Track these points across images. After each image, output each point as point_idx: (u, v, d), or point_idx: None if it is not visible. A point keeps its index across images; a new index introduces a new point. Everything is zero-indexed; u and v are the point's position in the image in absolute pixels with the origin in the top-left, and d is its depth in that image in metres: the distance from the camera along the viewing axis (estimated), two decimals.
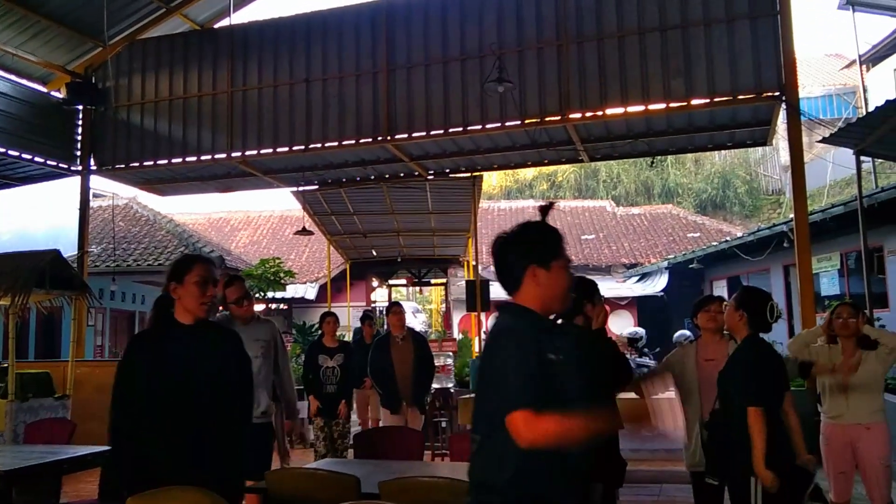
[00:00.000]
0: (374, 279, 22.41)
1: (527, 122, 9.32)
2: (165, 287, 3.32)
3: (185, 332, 3.30)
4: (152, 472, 3.08)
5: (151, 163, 11.16)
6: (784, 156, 24.66)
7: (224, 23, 11.72)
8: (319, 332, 8.07)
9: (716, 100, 8.68)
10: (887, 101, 7.21)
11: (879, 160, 11.24)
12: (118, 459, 3.26)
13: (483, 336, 14.03)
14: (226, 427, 3.28)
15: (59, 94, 11.38)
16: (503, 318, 2.47)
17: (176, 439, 3.17)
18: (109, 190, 16.66)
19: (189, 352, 3.26)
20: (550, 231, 2.51)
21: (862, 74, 20.06)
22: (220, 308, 5.42)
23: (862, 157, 9.70)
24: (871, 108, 8.44)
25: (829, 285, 13.64)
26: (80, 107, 11.32)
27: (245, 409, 3.54)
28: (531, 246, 2.46)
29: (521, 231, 2.51)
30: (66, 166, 11.55)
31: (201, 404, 3.23)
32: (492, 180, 35.59)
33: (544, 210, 2.56)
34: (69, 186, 12.34)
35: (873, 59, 21.18)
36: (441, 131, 9.72)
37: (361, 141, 10.05)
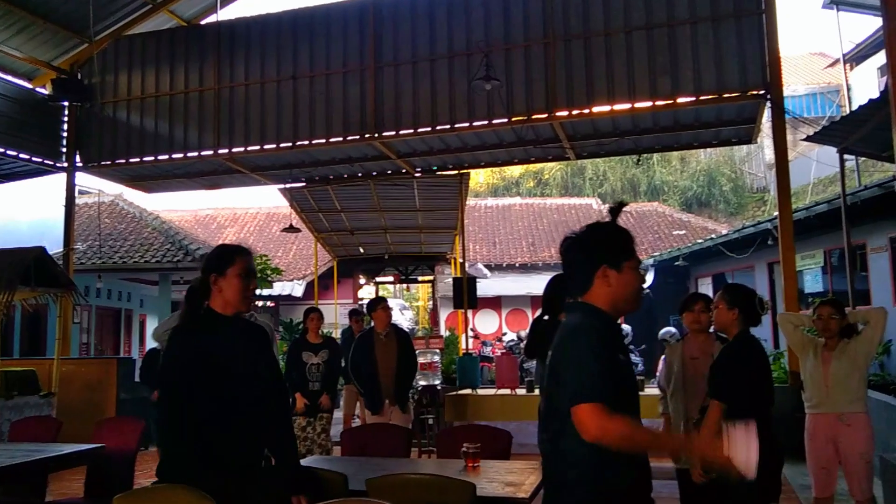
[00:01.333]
0: (361, 276, 22.37)
1: (514, 119, 9.36)
2: (203, 279, 3.16)
3: (227, 324, 3.17)
4: (217, 465, 2.98)
5: (138, 159, 11.11)
6: (769, 154, 24.78)
7: (211, 19, 11.70)
8: (304, 328, 7.86)
9: (701, 98, 8.74)
10: (870, 100, 7.28)
11: (863, 158, 11.34)
12: (178, 453, 3.03)
13: (468, 333, 14.07)
14: (271, 422, 3.22)
15: (45, 91, 11.27)
16: (575, 316, 2.46)
17: (237, 432, 3.08)
18: (95, 187, 16.57)
19: (236, 344, 3.17)
20: (621, 232, 2.50)
21: (845, 73, 20.21)
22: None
23: (845, 156, 9.79)
24: (854, 107, 8.53)
25: (813, 282, 13.75)
26: (66, 103, 11.27)
27: (285, 405, 3.56)
28: (603, 247, 2.46)
29: (591, 232, 2.51)
30: (51, 163, 11.50)
31: (252, 397, 3.15)
32: (479, 178, 35.62)
33: (614, 211, 2.55)
34: (55, 183, 12.30)
35: (857, 58, 21.34)
36: (429, 129, 9.73)
37: (349, 138, 10.05)
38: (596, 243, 2.48)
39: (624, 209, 2.59)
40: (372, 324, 7.44)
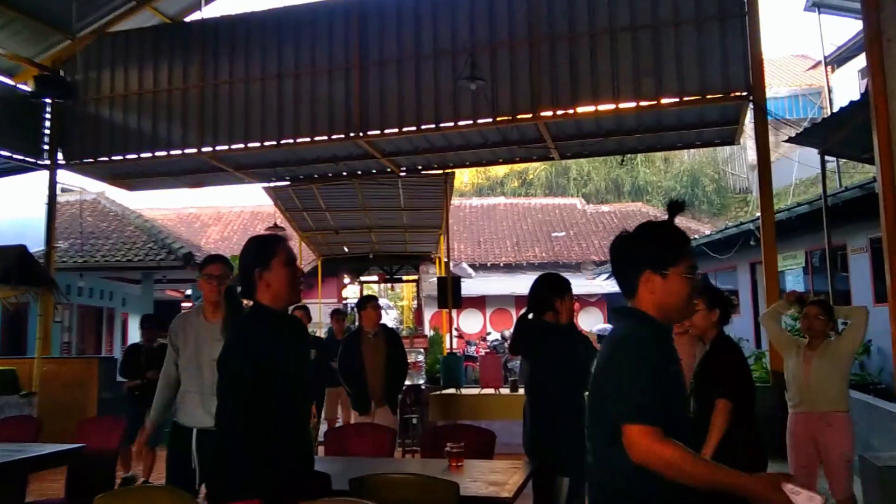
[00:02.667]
0: (346, 276, 22.37)
1: (498, 119, 9.37)
2: (245, 275, 2.91)
3: (282, 319, 2.96)
4: (293, 471, 2.81)
5: (120, 157, 11.03)
6: (751, 155, 24.95)
7: (195, 16, 11.63)
8: None
9: (685, 99, 8.79)
10: (851, 102, 7.36)
11: (843, 160, 11.45)
12: (270, 464, 2.71)
13: (452, 333, 14.08)
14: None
15: (27, 87, 11.20)
16: (623, 324, 2.31)
17: (302, 434, 2.95)
18: (77, 184, 16.45)
19: (296, 341, 3.01)
20: (672, 234, 2.32)
21: (827, 75, 20.37)
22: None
23: (826, 157, 9.89)
24: (835, 109, 8.61)
25: (795, 283, 13.87)
26: (48, 100, 11.15)
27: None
28: (647, 249, 2.29)
29: (638, 231, 2.34)
30: (33, 160, 11.37)
31: (308, 396, 3.05)
32: (463, 177, 35.63)
33: (672, 208, 2.38)
34: (36, 181, 12.19)
35: (838, 60, 21.52)
36: (413, 128, 9.72)
37: (334, 137, 10.02)
38: (640, 245, 2.31)
39: (680, 210, 2.36)
40: (358, 323, 7.30)
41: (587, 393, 2.34)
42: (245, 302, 3.02)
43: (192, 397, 4.23)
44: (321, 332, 14.03)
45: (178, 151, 10.75)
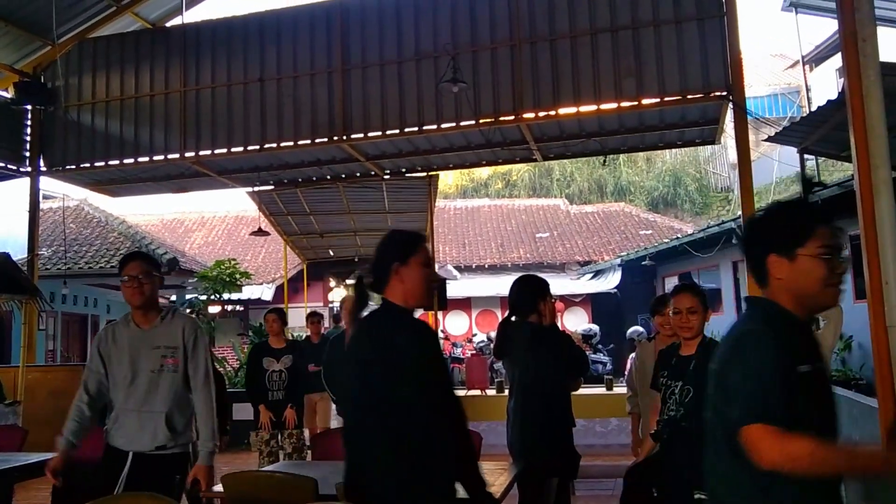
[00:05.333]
0: (331, 279, 22.34)
1: (481, 121, 9.40)
2: (381, 267, 2.82)
3: (412, 320, 2.84)
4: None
5: (103, 163, 10.97)
6: (732, 154, 25.15)
7: (176, 21, 11.58)
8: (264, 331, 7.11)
9: (666, 99, 8.84)
10: (829, 101, 7.44)
11: (822, 158, 11.56)
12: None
13: (440, 334, 14.06)
14: None
15: (7, 94, 11.10)
16: (750, 316, 2.14)
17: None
18: (60, 191, 16.34)
19: (431, 342, 2.87)
20: (798, 210, 2.13)
21: (805, 75, 20.57)
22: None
23: (806, 155, 9.99)
24: (814, 108, 8.70)
25: None
26: (29, 107, 11.07)
27: None
28: (770, 231, 2.10)
29: (765, 212, 2.16)
30: (14, 167, 11.29)
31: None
32: (448, 179, 35.69)
33: (808, 185, 2.26)
34: (18, 188, 12.10)
35: (816, 59, 21.74)
36: (397, 131, 9.74)
37: (317, 141, 10.02)
38: (763, 227, 2.12)
39: (814, 187, 2.22)
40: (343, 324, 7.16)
41: (709, 396, 2.14)
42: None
43: (130, 417, 3.83)
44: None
45: (161, 157, 10.70)
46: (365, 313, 2.88)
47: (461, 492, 2.84)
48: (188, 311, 16.91)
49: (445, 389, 2.86)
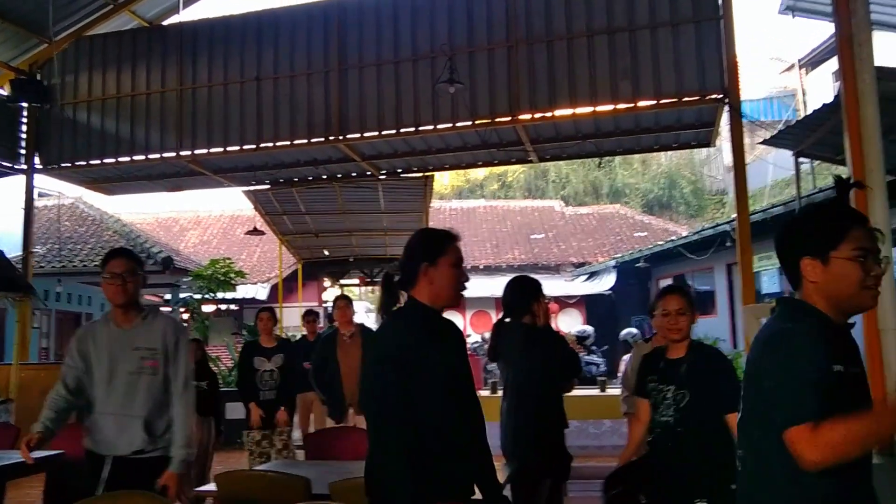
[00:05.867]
0: (326, 279, 22.33)
1: (477, 122, 9.40)
2: (411, 268, 2.75)
3: (437, 317, 2.81)
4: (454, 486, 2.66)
5: (98, 161, 10.93)
6: (727, 157, 25.20)
7: (173, 20, 11.59)
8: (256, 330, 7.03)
9: (661, 101, 8.85)
10: (824, 105, 7.46)
11: (817, 161, 11.60)
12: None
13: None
14: None
15: (3, 91, 11.08)
16: (783, 316, 2.08)
17: (475, 435, 2.82)
18: (55, 189, 16.32)
19: (453, 337, 2.87)
20: (831, 212, 2.08)
21: (801, 78, 20.63)
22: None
23: (801, 159, 10.02)
24: (809, 111, 8.73)
25: (770, 283, 14.03)
26: (25, 104, 11.04)
27: None
28: (803, 233, 2.06)
29: (800, 214, 2.13)
30: (9, 165, 11.24)
31: (473, 393, 2.88)
32: (443, 180, 35.72)
33: (842, 186, 2.14)
34: (13, 185, 12.07)
35: (812, 62, 21.83)
36: (393, 131, 9.74)
37: (313, 140, 10.01)
38: (795, 229, 2.07)
39: (851, 188, 2.07)
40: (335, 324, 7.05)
41: (743, 397, 2.11)
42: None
43: (107, 420, 3.70)
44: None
45: (157, 155, 10.68)
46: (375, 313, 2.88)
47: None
48: (182, 309, 16.90)
49: (468, 389, 2.85)
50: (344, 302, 6.92)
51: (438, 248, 2.75)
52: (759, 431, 2.00)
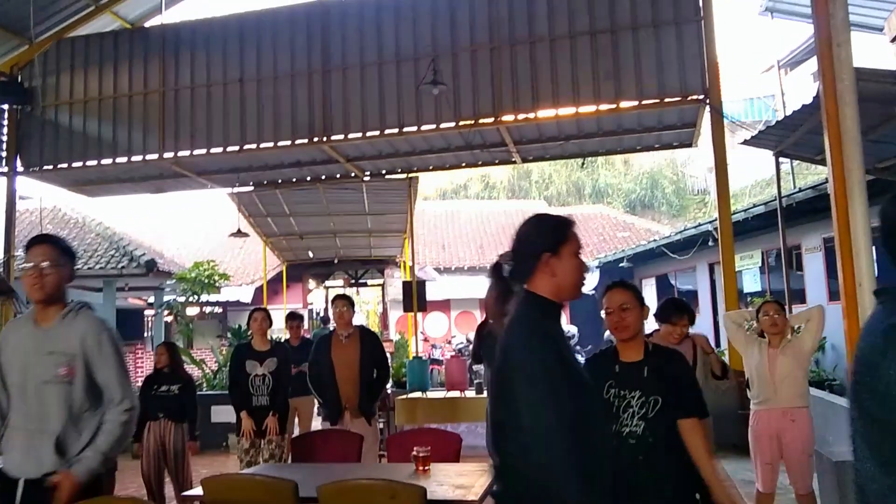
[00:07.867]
0: (311, 281, 22.29)
1: (461, 124, 9.44)
2: (529, 258, 2.39)
3: (560, 314, 2.47)
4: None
5: (81, 164, 10.88)
6: (709, 157, 25.39)
7: (155, 21, 11.53)
8: (249, 333, 6.69)
9: (644, 102, 8.93)
10: (803, 106, 7.52)
11: (797, 161, 11.70)
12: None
13: (418, 336, 14.05)
14: None
15: None
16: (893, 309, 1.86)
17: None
18: (36, 192, 16.17)
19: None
20: None
21: (780, 79, 20.79)
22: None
23: (781, 159, 10.11)
24: (789, 112, 8.80)
25: (752, 282, 14.16)
26: (6, 106, 10.96)
27: None
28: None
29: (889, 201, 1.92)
30: None
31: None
32: (427, 182, 35.73)
33: None
34: None
35: (791, 63, 21.99)
36: (377, 132, 9.75)
37: (297, 142, 10.01)
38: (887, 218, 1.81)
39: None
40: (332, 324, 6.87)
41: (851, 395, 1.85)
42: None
43: (16, 436, 3.12)
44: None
45: (140, 157, 10.63)
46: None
47: None
48: (166, 312, 16.80)
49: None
50: (344, 302, 6.58)
51: (560, 235, 2.42)
52: (881, 437, 1.68)
